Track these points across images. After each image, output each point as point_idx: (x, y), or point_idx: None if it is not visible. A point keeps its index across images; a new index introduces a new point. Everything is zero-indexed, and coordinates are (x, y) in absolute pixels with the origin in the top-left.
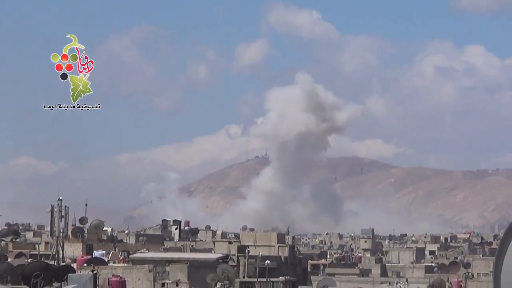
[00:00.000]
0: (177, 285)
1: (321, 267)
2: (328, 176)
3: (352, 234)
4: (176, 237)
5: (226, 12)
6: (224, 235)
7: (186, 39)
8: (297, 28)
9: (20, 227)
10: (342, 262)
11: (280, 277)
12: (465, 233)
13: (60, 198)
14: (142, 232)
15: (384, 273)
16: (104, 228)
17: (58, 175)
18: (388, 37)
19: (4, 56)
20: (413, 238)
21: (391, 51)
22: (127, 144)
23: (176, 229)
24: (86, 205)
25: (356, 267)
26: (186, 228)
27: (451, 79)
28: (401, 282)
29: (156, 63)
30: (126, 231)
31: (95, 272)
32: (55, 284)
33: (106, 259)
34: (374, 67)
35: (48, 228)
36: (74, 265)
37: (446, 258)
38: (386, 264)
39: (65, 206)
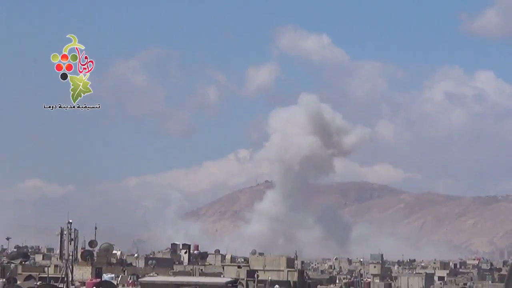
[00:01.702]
0: None
1: None
2: (337, 201)
3: (361, 260)
4: (186, 261)
5: (236, 35)
6: (233, 259)
7: (195, 62)
8: (307, 52)
9: (30, 250)
10: (351, 287)
11: None
12: (474, 259)
13: (70, 221)
14: (151, 256)
15: None
16: (114, 252)
17: (65, 197)
18: (397, 62)
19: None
20: (423, 264)
21: (401, 76)
22: (135, 167)
23: (185, 253)
24: (95, 228)
25: None
26: (195, 252)
27: (460, 105)
28: None
29: (166, 86)
30: (136, 255)
31: None
32: None
33: (115, 283)
34: (383, 92)
35: (58, 251)
36: None
37: (456, 284)
38: None
39: (75, 229)
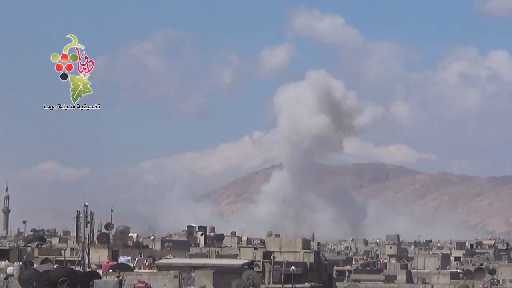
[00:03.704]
0: None
1: (347, 273)
2: (353, 182)
3: (377, 240)
4: (202, 243)
5: (250, 17)
6: (249, 241)
7: (209, 43)
8: (321, 33)
9: (46, 233)
10: (367, 268)
11: (306, 283)
12: (490, 239)
13: (86, 204)
14: (167, 238)
15: (409, 279)
16: (130, 234)
17: (81, 181)
18: (412, 43)
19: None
20: (438, 245)
21: (415, 57)
22: (150, 150)
23: (201, 235)
24: (111, 211)
25: (382, 273)
26: (212, 234)
27: (474, 86)
28: None
29: (180, 68)
30: (152, 237)
31: (120, 278)
32: None
33: (131, 265)
34: (398, 73)
35: (74, 234)
36: (100, 271)
37: (472, 265)
38: (412, 271)
39: (91, 212)
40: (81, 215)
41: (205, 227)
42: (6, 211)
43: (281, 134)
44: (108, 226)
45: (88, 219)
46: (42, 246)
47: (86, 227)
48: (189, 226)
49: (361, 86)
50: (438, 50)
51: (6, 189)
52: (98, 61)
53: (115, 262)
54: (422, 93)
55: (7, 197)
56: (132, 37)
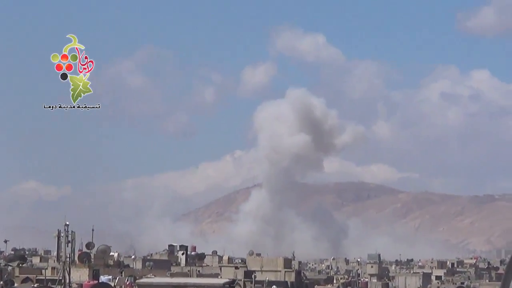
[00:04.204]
0: None
1: None
2: (334, 201)
3: (358, 259)
4: (183, 262)
5: (232, 35)
6: (230, 260)
7: (191, 62)
8: (303, 52)
9: (27, 252)
10: (348, 287)
11: None
12: (471, 258)
13: (67, 223)
14: (148, 257)
15: None
16: (111, 253)
17: (62, 200)
18: (393, 61)
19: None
20: (420, 263)
21: (397, 75)
22: (131, 169)
23: (182, 254)
24: (92, 230)
25: None
26: (193, 253)
27: (456, 105)
28: None
29: (162, 86)
30: (133, 256)
31: None
32: None
33: (112, 284)
34: (380, 92)
35: (55, 253)
36: None
37: (453, 283)
38: None
39: (72, 231)
40: (62, 234)
41: (186, 246)
42: None
43: (260, 153)
44: (89, 245)
45: (69, 238)
46: (23, 265)
47: (67, 246)
48: (170, 245)
49: (343, 105)
50: (419, 69)
51: None
52: None
53: (96, 282)
54: (404, 112)
55: None
56: (113, 55)
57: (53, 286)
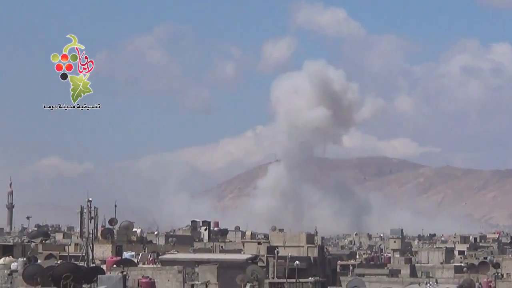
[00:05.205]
0: (206, 286)
1: (351, 267)
2: (356, 176)
3: (381, 235)
4: (206, 238)
5: (252, 9)
6: (253, 235)
7: (211, 37)
8: (323, 26)
9: (50, 229)
10: (371, 262)
11: (310, 278)
12: (494, 233)
13: (90, 199)
14: (171, 233)
15: (413, 273)
16: (134, 229)
17: (84, 176)
18: (414, 36)
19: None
20: (442, 238)
21: (418, 50)
22: (152, 145)
23: (205, 230)
24: (115, 206)
25: (386, 268)
26: (216, 229)
27: (477, 78)
28: (430, 283)
29: (182, 62)
30: (156, 232)
31: (124, 273)
32: (84, 286)
33: (135, 260)
34: (400, 66)
35: (78, 230)
36: (104, 267)
37: (476, 258)
38: (416, 265)
39: (95, 207)
40: (85, 211)
41: (209, 222)
42: (10, 207)
43: (279, 127)
44: (112, 221)
45: (92, 214)
46: (46, 241)
47: (90, 222)
48: (192, 221)
49: (363, 80)
50: (440, 43)
51: (10, 184)
52: (99, 56)
53: (119, 258)
54: (425, 86)
55: (11, 193)
56: (133, 31)
57: (76, 262)
